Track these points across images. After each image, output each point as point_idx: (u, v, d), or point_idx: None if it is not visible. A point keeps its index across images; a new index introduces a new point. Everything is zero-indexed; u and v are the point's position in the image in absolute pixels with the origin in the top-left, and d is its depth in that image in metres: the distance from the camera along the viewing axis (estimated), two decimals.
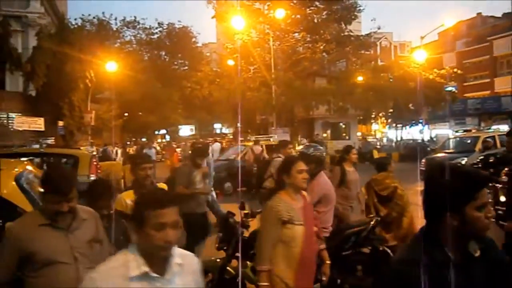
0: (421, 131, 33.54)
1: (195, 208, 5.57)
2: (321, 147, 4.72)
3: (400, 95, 27.04)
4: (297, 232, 3.25)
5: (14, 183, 3.91)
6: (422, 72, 26.31)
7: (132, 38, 44.72)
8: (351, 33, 28.40)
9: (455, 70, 31.14)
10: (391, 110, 32.13)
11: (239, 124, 33.57)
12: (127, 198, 3.79)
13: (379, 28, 28.80)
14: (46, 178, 2.62)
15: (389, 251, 4.97)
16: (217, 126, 56.89)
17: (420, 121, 31.06)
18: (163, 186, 4.26)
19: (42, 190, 2.63)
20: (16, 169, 4.16)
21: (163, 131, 49.00)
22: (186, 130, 51.87)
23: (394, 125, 38.07)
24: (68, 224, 2.61)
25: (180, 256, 1.95)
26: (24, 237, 2.55)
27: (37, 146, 10.28)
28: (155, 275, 1.82)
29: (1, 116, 19.90)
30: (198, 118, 49.12)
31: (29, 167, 4.52)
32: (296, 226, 3.25)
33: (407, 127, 36.21)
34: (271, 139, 17.63)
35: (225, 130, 55.08)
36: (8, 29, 19.03)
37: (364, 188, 5.80)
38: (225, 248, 4.45)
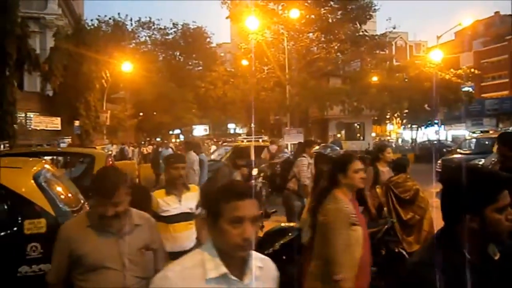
0: (436, 132, 33.13)
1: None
2: (338, 148, 4.69)
3: (415, 95, 26.74)
4: (359, 234, 3.03)
5: (32, 181, 3.97)
6: (438, 72, 25.98)
7: (147, 38, 45.25)
8: (366, 33, 28.19)
9: (472, 70, 30.67)
10: (406, 111, 31.79)
11: (252, 124, 33.60)
12: (159, 197, 3.76)
13: (394, 28, 28.57)
14: (93, 180, 2.55)
15: (404, 253, 4.92)
16: (231, 126, 57.05)
17: (436, 122, 30.68)
18: (194, 187, 4.14)
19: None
20: (34, 168, 4.22)
21: (177, 131, 49.31)
22: (200, 130, 52.11)
23: (409, 125, 37.64)
24: (119, 229, 2.50)
25: (260, 259, 1.80)
26: (73, 238, 2.50)
27: (63, 145, 10.54)
28: (234, 278, 1.65)
29: (20, 115, 20.22)
30: (212, 118, 49.33)
31: (47, 166, 4.58)
32: (359, 228, 3.04)
33: (423, 128, 35.78)
34: (260, 140, 17.43)
35: (238, 130, 55.19)
36: (27, 30, 19.30)
37: (381, 190, 5.66)
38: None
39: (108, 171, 2.67)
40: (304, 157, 6.66)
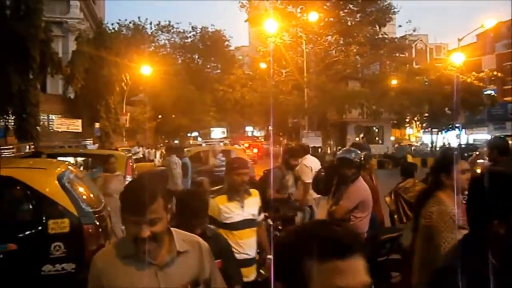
0: (457, 136, 32.57)
1: (287, 213, 5.32)
2: (359, 152, 4.62)
3: (436, 98, 26.35)
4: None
5: (56, 182, 4.06)
6: (460, 75, 25.55)
7: (167, 42, 45.71)
8: (386, 36, 27.95)
9: (495, 72, 30.07)
10: (426, 114, 31.37)
11: (270, 127, 33.60)
12: (221, 204, 3.57)
13: (414, 30, 28.22)
14: (123, 193, 1.95)
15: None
16: (249, 129, 57.19)
17: (457, 125, 30.16)
18: (255, 192, 3.91)
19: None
20: (58, 169, 4.31)
21: (195, 134, 49.63)
22: (217, 133, 52.36)
23: (429, 129, 37.11)
24: (158, 257, 1.90)
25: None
26: (105, 273, 2.00)
27: (94, 147, 10.80)
28: None
29: (42, 117, 20.65)
30: (230, 120, 49.54)
31: (71, 167, 4.67)
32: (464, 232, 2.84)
33: (443, 131, 35.22)
34: (222, 143, 17.22)
35: (256, 133, 55.27)
36: (50, 34, 19.72)
37: (390, 196, 5.55)
38: (258, 251, 4.46)
39: (141, 180, 2.06)
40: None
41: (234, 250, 3.33)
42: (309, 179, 6.68)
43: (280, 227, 4.50)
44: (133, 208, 1.80)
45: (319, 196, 6.16)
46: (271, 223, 4.52)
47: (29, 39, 17.49)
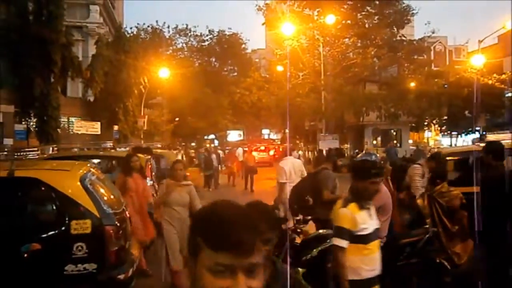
0: (480, 139, 31.98)
1: (320, 216, 5.19)
2: (375, 155, 4.60)
3: (455, 101, 25.97)
4: None
5: (79, 183, 4.14)
6: (480, 78, 25.13)
7: (184, 45, 46.11)
8: (404, 38, 27.68)
9: None
10: (445, 117, 30.91)
11: (287, 130, 33.55)
12: (355, 213, 3.21)
13: (433, 32, 27.87)
14: (201, 217, 1.23)
15: (446, 263, 4.77)
16: (265, 131, 57.19)
17: (477, 129, 29.63)
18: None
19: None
20: (81, 171, 4.39)
21: (211, 136, 49.88)
22: (234, 135, 52.51)
23: (448, 132, 36.55)
24: None
25: None
26: None
27: (122, 149, 10.89)
28: None
29: (63, 120, 21.02)
30: (246, 123, 49.63)
31: (93, 169, 4.75)
32: None
33: (463, 135, 34.65)
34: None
35: (273, 136, 55.23)
36: (71, 38, 20.11)
37: (425, 200, 5.42)
38: (276, 253, 4.46)
39: (237, 205, 1.22)
40: (419, 164, 6.18)
41: (364, 267, 3.08)
42: (282, 179, 7.31)
43: (299, 230, 4.48)
44: (227, 244, 1.06)
45: None
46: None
47: (51, 43, 17.87)
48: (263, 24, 29.17)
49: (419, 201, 5.43)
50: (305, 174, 7.71)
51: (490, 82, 26.37)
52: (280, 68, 28.73)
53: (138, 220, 6.06)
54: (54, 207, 4.06)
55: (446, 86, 28.22)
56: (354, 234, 3.12)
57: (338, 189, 5.52)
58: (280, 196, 7.29)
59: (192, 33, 45.53)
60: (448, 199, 5.10)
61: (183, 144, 40.46)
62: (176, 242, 5.39)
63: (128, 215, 5.34)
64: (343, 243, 3.09)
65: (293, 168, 7.53)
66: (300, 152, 29.20)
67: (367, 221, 3.22)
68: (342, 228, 3.08)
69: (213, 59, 47.22)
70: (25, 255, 3.80)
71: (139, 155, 9.47)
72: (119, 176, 6.45)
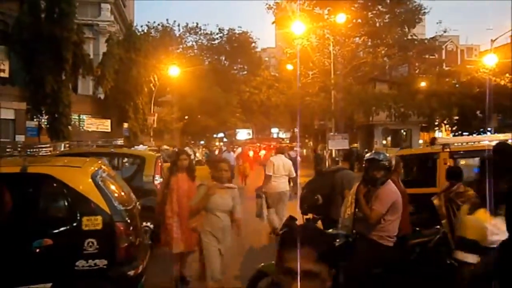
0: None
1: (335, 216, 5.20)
2: (388, 154, 4.56)
3: (466, 101, 25.68)
4: None
5: (90, 180, 4.17)
6: (492, 77, 24.85)
7: (194, 43, 46.28)
8: (415, 37, 27.42)
9: None
10: (456, 117, 30.64)
11: (296, 129, 33.50)
12: (486, 222, 2.72)
13: (445, 31, 27.55)
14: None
15: (456, 264, 4.73)
16: (274, 130, 57.17)
17: (489, 129, 29.32)
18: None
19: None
20: (92, 167, 4.42)
21: (220, 134, 50.00)
22: (243, 134, 52.59)
23: (459, 133, 36.24)
24: None
25: None
26: None
27: (141, 148, 10.97)
28: None
29: (74, 117, 21.22)
30: (255, 122, 49.67)
31: (104, 166, 4.79)
32: None
33: (474, 135, 34.33)
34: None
35: (282, 135, 55.20)
36: (82, 36, 20.32)
37: (441, 201, 5.35)
38: None
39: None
40: None
41: None
42: (269, 172, 8.49)
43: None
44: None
45: None
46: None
47: (62, 41, 18.08)
48: (273, 23, 29.12)
49: (435, 201, 5.35)
50: (293, 174, 8.69)
51: (502, 82, 26.08)
52: (289, 67, 28.67)
53: (174, 225, 5.41)
54: (66, 203, 4.10)
55: (457, 86, 27.94)
56: (482, 247, 2.62)
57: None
58: (262, 186, 8.80)
59: (202, 31, 45.71)
60: (465, 199, 5.03)
61: (192, 142, 40.62)
62: (217, 257, 4.66)
63: (169, 220, 5.42)
64: (470, 258, 2.61)
65: (282, 165, 8.61)
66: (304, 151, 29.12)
67: (502, 229, 2.47)
68: (468, 240, 2.62)
69: (223, 58, 47.32)
70: (37, 250, 3.84)
71: (150, 153, 9.52)
72: (165, 174, 5.99)
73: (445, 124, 34.53)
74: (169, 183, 5.59)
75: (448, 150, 6.61)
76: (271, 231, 8.52)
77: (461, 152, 7.27)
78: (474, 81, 26.20)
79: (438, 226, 5.13)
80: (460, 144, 6.85)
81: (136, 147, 19.12)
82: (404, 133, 32.54)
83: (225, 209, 4.73)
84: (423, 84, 26.53)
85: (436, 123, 33.29)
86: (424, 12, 26.59)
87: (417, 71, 28.67)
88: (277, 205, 8.46)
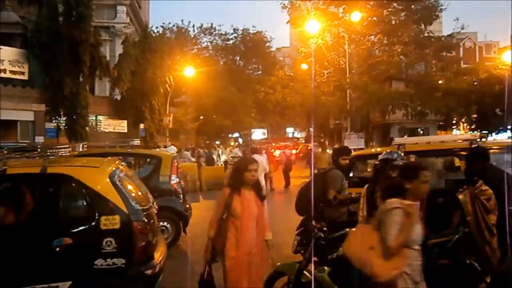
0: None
1: (341, 216, 5.17)
2: (402, 155, 4.52)
3: (485, 99, 25.25)
4: None
5: (108, 180, 4.23)
6: None
7: (209, 44, 46.48)
8: (432, 34, 27.06)
9: None
10: (475, 116, 30.14)
11: (311, 129, 33.39)
12: None
13: (462, 28, 27.14)
14: None
15: (476, 264, 4.65)
16: (290, 130, 57.07)
17: (509, 127, 28.77)
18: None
19: None
20: (110, 167, 4.48)
21: (236, 134, 50.14)
22: (258, 134, 52.65)
23: (478, 131, 35.65)
24: None
25: None
26: None
27: (171, 149, 11.04)
28: None
29: (91, 118, 21.51)
30: (270, 122, 49.69)
31: (121, 166, 4.84)
32: None
33: (493, 133, 33.72)
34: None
35: (297, 134, 55.08)
36: (99, 38, 20.59)
37: (466, 197, 5.26)
38: (302, 251, 4.45)
39: None
40: None
41: None
42: None
43: (325, 228, 4.44)
44: None
45: None
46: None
47: (80, 44, 18.36)
48: (287, 22, 29.10)
49: (460, 197, 5.27)
50: (268, 170, 10.04)
51: None
52: (304, 66, 28.60)
53: (239, 269, 3.97)
54: (85, 203, 4.16)
55: (476, 83, 27.48)
56: None
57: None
58: None
59: (216, 32, 45.87)
60: (486, 197, 4.97)
61: (208, 142, 40.84)
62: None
63: (231, 261, 3.94)
64: None
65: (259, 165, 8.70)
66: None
67: None
68: None
69: (238, 58, 47.42)
70: (57, 249, 3.91)
71: (166, 153, 9.55)
72: (224, 190, 4.20)
73: (463, 123, 34.03)
74: (231, 206, 4.03)
75: (402, 150, 6.56)
76: None
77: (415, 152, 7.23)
78: (493, 79, 25.74)
79: (456, 226, 5.05)
80: (415, 144, 6.79)
81: (163, 148, 19.38)
82: (421, 132, 32.17)
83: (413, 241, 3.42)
84: (440, 82, 26.17)
85: (454, 122, 32.82)
86: (441, 9, 26.22)
87: (434, 69, 28.26)
88: None
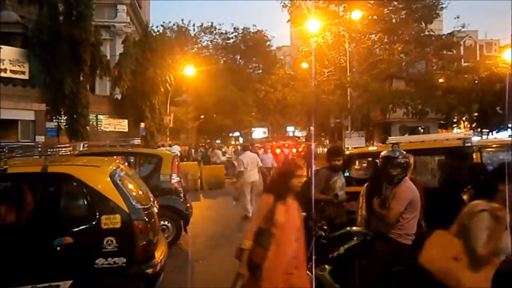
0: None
1: (332, 214, 5.10)
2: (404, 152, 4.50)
3: (486, 97, 25.24)
4: None
5: (108, 179, 4.23)
6: None
7: (209, 43, 46.43)
8: (432, 33, 27.03)
9: None
10: (475, 114, 30.12)
11: (312, 127, 33.37)
12: None
13: (463, 27, 27.10)
14: None
15: None
16: (290, 129, 57.02)
17: (510, 126, 28.76)
18: None
19: None
20: (110, 167, 4.48)
21: (236, 133, 50.12)
22: (259, 133, 52.60)
23: (479, 130, 35.62)
24: None
25: None
26: None
27: (175, 148, 11.36)
28: None
29: (91, 118, 21.50)
30: (271, 120, 49.62)
31: (121, 165, 4.84)
32: None
33: (494, 132, 33.67)
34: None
35: (298, 133, 55.04)
36: (99, 38, 20.59)
37: (468, 195, 5.25)
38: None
39: None
40: None
41: None
42: (240, 169, 10.35)
43: (325, 227, 4.44)
44: None
45: None
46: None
47: (81, 43, 18.36)
48: (288, 21, 29.06)
49: (465, 197, 5.27)
50: (260, 164, 10.83)
51: None
52: (305, 65, 28.57)
53: (280, 280, 3.47)
54: (85, 202, 4.16)
55: (476, 81, 27.47)
56: None
57: (341, 190, 5.33)
58: (236, 183, 10.87)
59: (217, 31, 45.81)
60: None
61: (208, 141, 40.85)
62: None
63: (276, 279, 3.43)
64: None
65: (250, 160, 10.50)
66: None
67: None
68: None
69: (238, 57, 47.37)
70: (58, 248, 3.91)
71: (166, 152, 9.53)
72: (263, 197, 3.72)
73: (464, 121, 33.99)
74: (273, 216, 3.51)
75: (395, 148, 6.55)
76: (244, 215, 10.22)
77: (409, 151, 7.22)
78: (494, 77, 25.74)
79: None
80: (409, 143, 6.78)
81: (168, 148, 19.45)
82: (422, 130, 32.16)
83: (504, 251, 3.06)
84: (441, 80, 26.16)
85: (455, 120, 32.79)
86: (441, 8, 26.18)
87: (434, 68, 28.23)
88: (252, 192, 10.42)
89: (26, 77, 19.60)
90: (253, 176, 10.52)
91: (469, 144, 6.15)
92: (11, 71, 19.21)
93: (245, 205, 10.27)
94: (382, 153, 4.47)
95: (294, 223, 3.58)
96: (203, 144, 34.53)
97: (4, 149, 4.27)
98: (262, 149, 18.00)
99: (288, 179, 3.61)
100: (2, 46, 18.75)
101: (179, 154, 23.95)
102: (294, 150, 25.04)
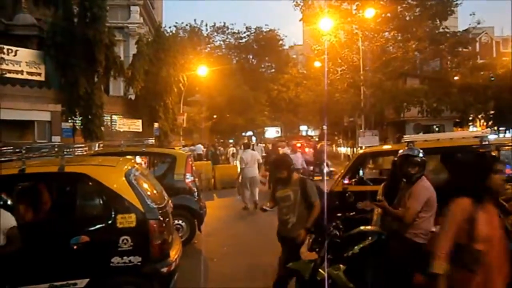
0: None
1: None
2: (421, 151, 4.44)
3: (503, 95, 24.81)
4: None
5: (124, 178, 4.27)
6: None
7: (222, 42, 46.59)
8: (447, 30, 26.64)
9: None
10: (492, 112, 29.64)
11: (325, 126, 33.22)
12: None
13: (478, 23, 26.61)
14: None
15: None
16: (303, 128, 56.86)
17: None
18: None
19: None
20: (125, 166, 4.52)
21: (249, 133, 50.19)
22: (272, 132, 52.56)
23: (495, 128, 35.07)
24: None
25: None
26: None
27: (199, 147, 12.16)
28: None
29: (106, 118, 21.71)
30: (284, 120, 49.57)
31: (136, 165, 4.89)
32: None
33: (511, 130, 33.12)
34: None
35: (311, 132, 54.85)
36: (113, 39, 20.76)
37: None
38: (317, 249, 4.44)
39: None
40: None
41: None
42: (242, 166, 11.71)
43: (340, 226, 4.42)
44: None
45: None
46: None
47: (95, 44, 18.54)
48: (300, 20, 28.91)
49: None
50: (261, 161, 12.57)
51: None
52: (318, 64, 28.43)
53: None
54: (101, 201, 4.21)
55: (493, 79, 27.03)
56: None
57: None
58: (238, 178, 12.09)
59: (229, 30, 45.96)
60: (505, 197, 4.85)
61: (221, 141, 40.98)
62: None
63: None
64: None
65: (251, 157, 11.78)
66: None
67: None
68: None
69: (251, 56, 47.44)
70: (75, 246, 3.96)
71: (180, 152, 9.57)
72: (460, 202, 2.79)
73: (480, 119, 33.49)
74: (473, 228, 2.69)
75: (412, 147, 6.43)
76: (244, 206, 11.69)
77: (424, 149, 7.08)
78: (511, 74, 25.27)
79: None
80: (424, 141, 6.66)
81: (192, 147, 19.90)
82: (437, 129, 31.78)
83: None
84: (456, 78, 25.80)
85: (471, 118, 32.33)
86: (456, 4, 25.77)
87: (449, 65, 27.84)
88: (251, 186, 11.68)
89: (42, 78, 19.88)
90: (252, 172, 11.77)
91: (486, 143, 6.05)
92: (28, 73, 19.50)
93: (244, 198, 11.83)
94: (400, 152, 4.43)
95: (500, 234, 2.80)
96: (215, 144, 34.71)
97: (22, 150, 4.33)
98: (286, 147, 17.95)
99: (486, 176, 2.79)
100: (18, 49, 19.05)
101: (203, 153, 24.28)
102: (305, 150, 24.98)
